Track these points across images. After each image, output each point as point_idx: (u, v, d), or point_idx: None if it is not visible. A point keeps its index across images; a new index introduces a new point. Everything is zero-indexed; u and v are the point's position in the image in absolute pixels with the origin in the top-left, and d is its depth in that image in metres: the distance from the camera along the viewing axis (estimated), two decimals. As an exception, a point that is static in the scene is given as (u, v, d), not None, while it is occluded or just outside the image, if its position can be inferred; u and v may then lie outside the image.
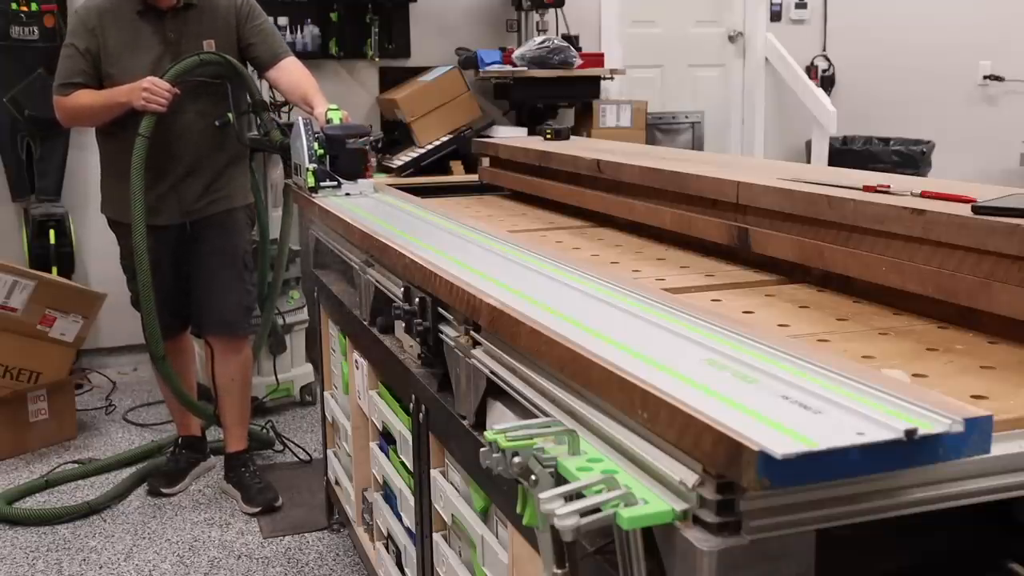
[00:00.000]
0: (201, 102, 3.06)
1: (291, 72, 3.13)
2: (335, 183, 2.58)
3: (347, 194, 2.58)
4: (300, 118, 2.70)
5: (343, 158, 2.63)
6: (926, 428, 0.83)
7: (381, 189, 2.68)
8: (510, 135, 4.10)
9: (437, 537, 1.82)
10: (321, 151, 2.61)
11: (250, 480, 3.32)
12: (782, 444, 0.80)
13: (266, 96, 3.45)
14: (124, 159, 2.96)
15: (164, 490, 3.38)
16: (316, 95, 2.98)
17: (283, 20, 4.73)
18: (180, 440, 3.52)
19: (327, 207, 2.41)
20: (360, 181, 2.62)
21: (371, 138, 2.80)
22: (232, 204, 3.20)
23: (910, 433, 0.82)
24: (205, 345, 3.38)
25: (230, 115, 3.07)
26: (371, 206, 2.41)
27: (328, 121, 2.72)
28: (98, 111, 3.02)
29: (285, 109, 3.85)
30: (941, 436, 0.84)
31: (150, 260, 3.03)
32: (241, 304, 3.27)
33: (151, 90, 2.91)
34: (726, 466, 0.84)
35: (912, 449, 0.83)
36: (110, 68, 2.98)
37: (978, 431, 0.85)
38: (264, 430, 3.78)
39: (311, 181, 2.58)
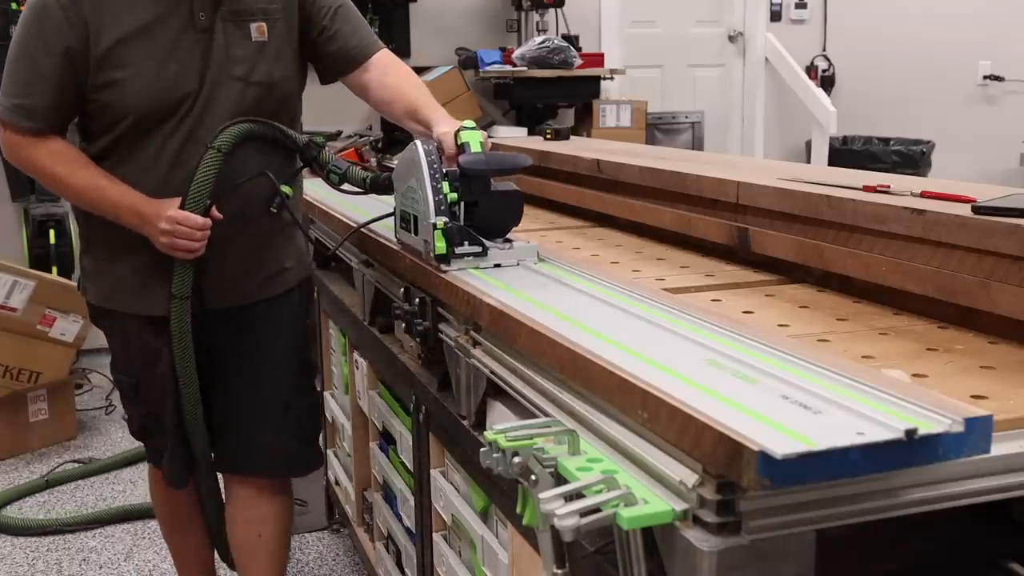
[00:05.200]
0: (249, 152, 1.94)
1: (391, 73, 2.02)
2: (478, 248, 1.65)
3: (496, 265, 1.65)
4: (418, 143, 1.74)
5: (487, 207, 1.70)
6: (926, 428, 0.83)
7: (544, 256, 1.70)
8: (510, 135, 4.10)
9: (437, 537, 1.82)
10: (454, 195, 1.68)
11: None
12: (782, 444, 0.80)
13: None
14: (122, 232, 1.91)
15: None
16: (433, 108, 1.92)
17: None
18: None
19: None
20: (515, 243, 1.69)
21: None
22: (287, 284, 2.10)
23: (910, 433, 0.82)
24: (227, 488, 2.24)
25: (285, 188, 1.98)
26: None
27: (461, 148, 1.71)
28: (83, 200, 1.93)
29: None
30: (941, 436, 0.84)
31: (145, 362, 2.03)
32: (300, 430, 2.18)
33: (177, 234, 1.84)
34: (726, 466, 0.84)
35: (912, 449, 0.83)
36: (111, 73, 1.82)
37: (978, 431, 0.85)
38: None
39: (441, 246, 1.62)
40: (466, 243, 1.64)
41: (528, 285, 1.51)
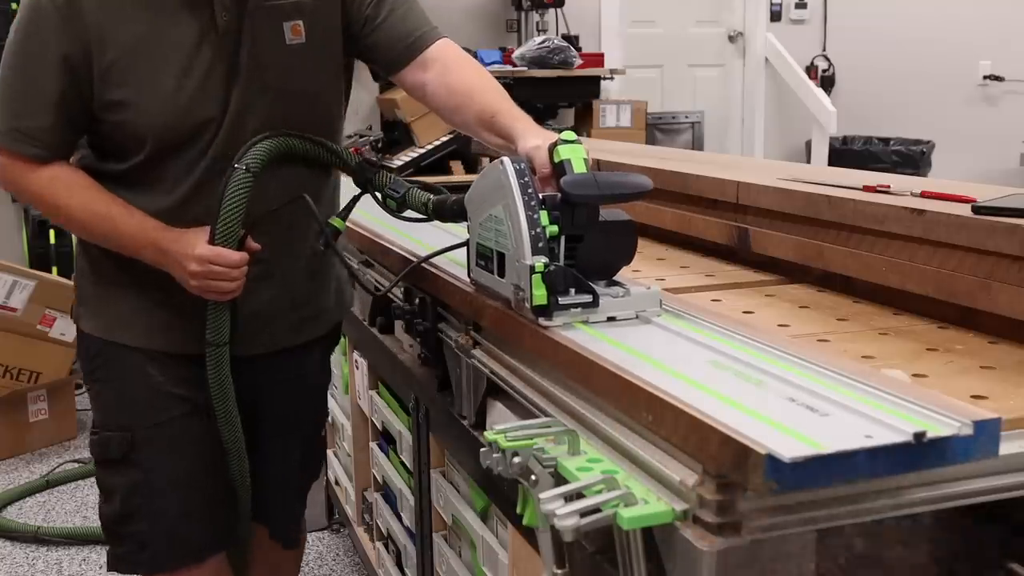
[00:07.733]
0: (284, 174, 1.61)
1: (455, 71, 1.64)
2: (588, 297, 1.25)
3: (610, 318, 1.27)
4: (507, 160, 1.32)
5: (593, 242, 1.31)
6: (935, 431, 0.83)
7: (672, 308, 1.31)
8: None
9: (437, 537, 1.82)
10: (553, 229, 1.28)
11: None
12: (790, 447, 0.79)
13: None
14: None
15: None
16: (515, 114, 1.55)
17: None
18: None
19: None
20: (631, 287, 1.29)
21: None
22: (325, 327, 1.84)
23: (919, 436, 0.81)
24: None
25: (337, 222, 1.65)
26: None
27: (559, 168, 1.34)
28: (92, 234, 1.62)
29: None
30: (950, 439, 0.83)
31: (150, 408, 1.66)
32: (305, 494, 2.02)
33: (211, 275, 1.52)
34: (733, 469, 0.84)
35: (920, 452, 0.82)
36: (117, 91, 1.50)
37: (986, 434, 0.85)
38: None
39: (540, 295, 1.24)
40: (574, 291, 1.25)
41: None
